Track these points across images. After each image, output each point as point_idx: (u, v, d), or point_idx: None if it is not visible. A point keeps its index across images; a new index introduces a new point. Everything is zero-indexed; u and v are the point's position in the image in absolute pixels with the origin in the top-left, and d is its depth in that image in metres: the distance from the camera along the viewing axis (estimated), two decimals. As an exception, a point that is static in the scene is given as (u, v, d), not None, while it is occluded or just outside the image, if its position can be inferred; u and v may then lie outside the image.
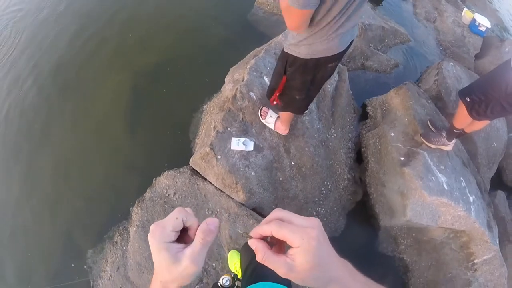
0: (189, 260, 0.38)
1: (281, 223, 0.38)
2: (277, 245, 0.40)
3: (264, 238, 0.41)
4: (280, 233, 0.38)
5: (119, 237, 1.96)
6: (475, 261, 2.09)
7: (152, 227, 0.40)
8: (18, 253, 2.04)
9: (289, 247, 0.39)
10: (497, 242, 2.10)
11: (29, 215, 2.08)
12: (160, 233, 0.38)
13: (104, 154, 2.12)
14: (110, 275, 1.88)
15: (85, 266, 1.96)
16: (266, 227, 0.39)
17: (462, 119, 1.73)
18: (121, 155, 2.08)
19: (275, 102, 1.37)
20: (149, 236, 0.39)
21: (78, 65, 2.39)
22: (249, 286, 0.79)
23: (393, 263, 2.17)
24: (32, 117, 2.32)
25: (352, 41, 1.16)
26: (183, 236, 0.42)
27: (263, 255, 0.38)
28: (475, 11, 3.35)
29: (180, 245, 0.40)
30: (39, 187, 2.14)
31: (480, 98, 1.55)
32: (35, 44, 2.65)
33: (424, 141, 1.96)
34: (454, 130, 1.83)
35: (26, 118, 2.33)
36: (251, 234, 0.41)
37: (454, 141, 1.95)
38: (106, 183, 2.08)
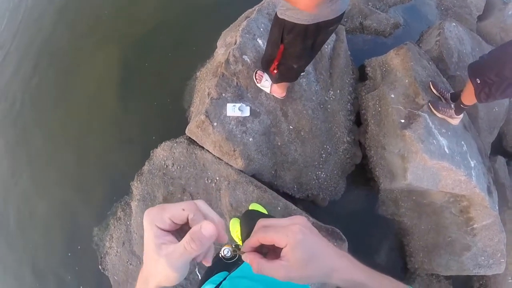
0: (164, 259, 0.33)
1: (266, 229, 0.38)
2: (272, 254, 0.39)
3: (259, 251, 0.40)
4: (266, 238, 0.37)
5: (121, 212, 1.96)
6: (475, 226, 2.10)
7: (152, 208, 0.36)
8: (24, 237, 2.05)
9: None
10: (497, 208, 2.10)
11: (34, 199, 2.08)
12: (155, 214, 0.34)
13: (99, 130, 2.08)
14: (117, 251, 1.90)
15: (92, 244, 1.98)
16: (254, 238, 0.38)
17: (471, 97, 1.66)
18: (117, 130, 2.04)
19: (275, 71, 1.30)
20: (145, 213, 0.35)
21: (64, 42, 2.28)
22: None
23: (393, 226, 2.20)
24: (23, 99, 2.24)
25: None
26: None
27: (257, 265, 0.37)
28: (480, -30, 3.17)
29: (170, 237, 0.35)
30: (39, 169, 2.12)
31: (492, 80, 1.46)
32: (24, 22, 2.51)
33: (432, 108, 1.89)
34: (462, 106, 1.77)
35: (17, 100, 2.26)
36: (243, 249, 0.40)
37: (461, 115, 1.88)
38: (104, 159, 2.05)
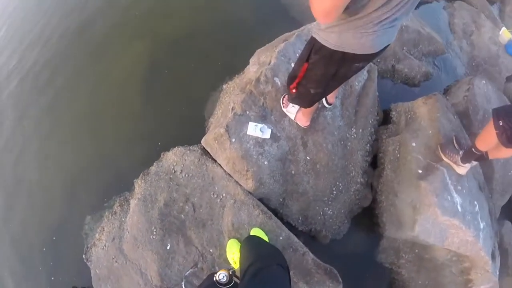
0: None
1: None
2: None
3: None
4: None
5: (118, 207, 1.91)
6: (472, 289, 2.03)
7: None
8: (18, 206, 2.02)
9: None
10: (497, 273, 2.03)
11: (36, 170, 2.06)
12: None
13: (116, 120, 2.07)
14: (105, 245, 1.84)
15: (81, 232, 1.94)
16: None
17: (488, 139, 1.60)
18: (133, 124, 2.03)
19: (294, 91, 1.29)
20: None
21: (101, 29, 2.31)
22: None
23: (389, 276, 2.12)
24: (50, 75, 2.26)
25: (388, 46, 1.02)
26: None
27: None
28: (514, 32, 3.20)
29: None
30: (49, 144, 2.12)
31: None
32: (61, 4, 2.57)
33: (440, 150, 1.85)
34: (474, 150, 1.69)
35: (44, 76, 2.28)
36: None
37: (468, 165, 1.81)
38: (114, 149, 2.03)
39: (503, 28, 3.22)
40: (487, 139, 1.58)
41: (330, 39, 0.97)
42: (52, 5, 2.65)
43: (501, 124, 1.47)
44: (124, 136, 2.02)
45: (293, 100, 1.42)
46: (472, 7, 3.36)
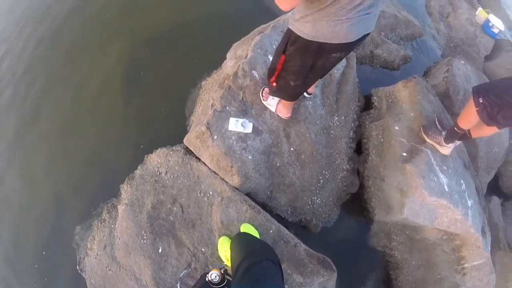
0: None
1: None
2: None
3: None
4: None
5: (107, 214, 1.89)
6: (465, 265, 2.07)
7: None
8: (6, 223, 1.96)
9: None
10: (489, 249, 2.08)
11: (19, 182, 2.00)
12: None
13: (96, 125, 2.02)
14: (97, 254, 1.82)
15: (72, 243, 1.90)
16: None
17: (469, 117, 1.62)
18: (114, 128, 1.98)
19: (274, 84, 1.27)
20: None
21: (78, 30, 2.24)
22: None
23: (382, 259, 2.16)
24: (26, 82, 2.19)
25: (367, 35, 1.00)
26: None
27: None
28: (490, 12, 3.25)
29: None
30: (30, 154, 2.06)
31: (494, 101, 1.45)
32: (35, 7, 2.48)
33: (423, 132, 1.87)
34: (456, 129, 1.71)
35: (20, 82, 2.21)
36: None
37: (452, 145, 1.84)
38: (97, 155, 1.99)
39: (479, 8, 3.27)
40: (468, 117, 1.60)
41: (305, 29, 0.95)
42: (26, 11, 2.55)
43: (481, 101, 1.49)
44: (106, 141, 1.98)
45: (275, 93, 1.41)
46: (448, -11, 3.40)
